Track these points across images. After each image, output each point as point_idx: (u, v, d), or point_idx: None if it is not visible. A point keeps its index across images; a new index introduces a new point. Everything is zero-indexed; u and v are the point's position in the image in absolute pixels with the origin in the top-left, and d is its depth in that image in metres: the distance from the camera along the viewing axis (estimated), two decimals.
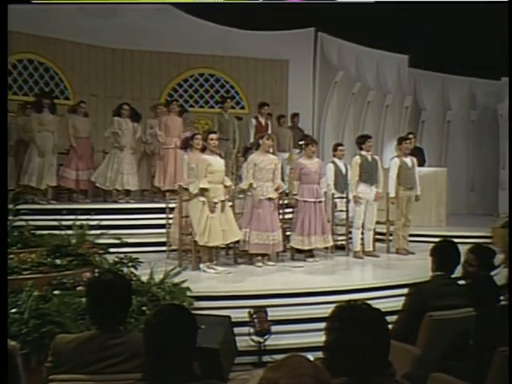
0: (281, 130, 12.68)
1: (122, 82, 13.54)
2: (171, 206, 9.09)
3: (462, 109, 16.01)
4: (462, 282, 4.68)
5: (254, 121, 12.08)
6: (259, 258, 8.57)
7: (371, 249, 9.62)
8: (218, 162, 8.21)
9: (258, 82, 14.47)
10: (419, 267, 7.61)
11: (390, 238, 9.93)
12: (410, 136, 11.66)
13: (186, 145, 9.08)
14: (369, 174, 9.48)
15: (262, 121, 12.10)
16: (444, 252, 4.50)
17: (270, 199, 8.53)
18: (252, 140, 11.14)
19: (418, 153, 12.04)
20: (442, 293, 4.32)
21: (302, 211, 8.91)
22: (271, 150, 8.91)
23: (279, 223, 8.83)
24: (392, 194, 9.69)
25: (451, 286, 4.45)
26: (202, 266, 8.11)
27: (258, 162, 8.52)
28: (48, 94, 11.39)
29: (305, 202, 8.89)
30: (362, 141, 9.65)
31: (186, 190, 8.52)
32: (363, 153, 9.54)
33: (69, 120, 11.08)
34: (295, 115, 13.24)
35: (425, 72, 15.78)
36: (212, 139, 8.23)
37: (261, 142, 8.68)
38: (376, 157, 9.83)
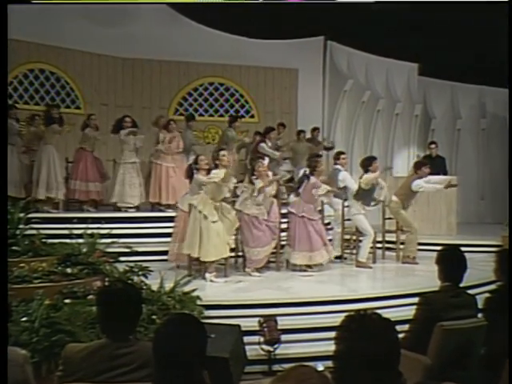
0: (298, 145, 12.66)
1: (132, 91, 13.61)
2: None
3: (471, 117, 15.97)
4: (470, 292, 4.69)
5: (265, 146, 11.95)
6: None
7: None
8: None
9: (267, 91, 14.49)
10: (429, 276, 7.59)
11: (401, 246, 9.93)
12: (432, 146, 11.59)
13: (191, 172, 8.87)
14: (371, 197, 9.47)
15: (271, 146, 12.05)
16: (450, 260, 4.47)
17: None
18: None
19: (440, 162, 11.99)
20: (452, 304, 4.30)
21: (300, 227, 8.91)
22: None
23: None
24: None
25: (460, 296, 4.42)
26: (207, 275, 8.11)
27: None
28: (56, 105, 11.40)
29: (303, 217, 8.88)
30: (368, 163, 9.54)
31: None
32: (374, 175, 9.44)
33: (89, 134, 11.09)
34: (315, 129, 13.23)
35: (434, 80, 15.76)
36: (224, 155, 8.33)
37: (256, 172, 8.65)
38: (383, 182, 9.76)
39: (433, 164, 10.18)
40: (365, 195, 9.39)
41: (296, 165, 12.42)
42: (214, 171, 8.23)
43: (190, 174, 8.76)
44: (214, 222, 8.06)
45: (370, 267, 9.35)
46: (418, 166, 9.95)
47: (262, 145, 11.92)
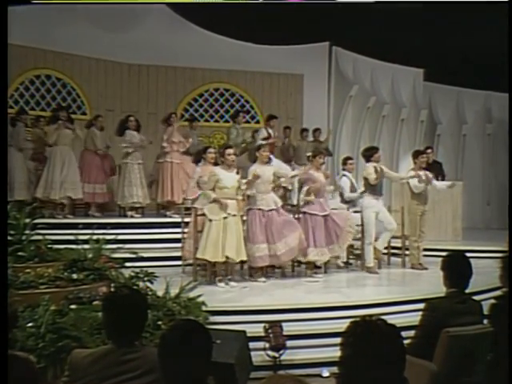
0: (302, 144, 12.68)
1: (138, 97, 13.66)
2: (186, 220, 9.14)
3: (477, 122, 15.97)
4: (476, 298, 4.67)
5: (264, 130, 12.04)
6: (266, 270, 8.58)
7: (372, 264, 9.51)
8: (230, 178, 8.16)
9: (272, 97, 14.52)
10: (435, 282, 7.57)
11: (406, 252, 9.91)
12: (429, 151, 11.60)
13: (199, 158, 9.12)
14: (376, 185, 9.43)
15: (271, 133, 12.08)
16: (455, 266, 4.45)
17: (273, 210, 8.50)
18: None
19: (436, 167, 11.99)
20: (458, 310, 4.28)
21: (308, 224, 8.78)
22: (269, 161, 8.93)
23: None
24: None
25: (466, 303, 4.41)
26: (216, 280, 8.12)
27: (260, 174, 8.38)
28: (64, 107, 11.48)
29: (311, 215, 8.80)
30: (369, 153, 9.58)
31: (193, 202, 8.62)
32: (373, 164, 9.46)
33: (88, 134, 11.17)
34: (316, 130, 13.25)
35: (440, 86, 15.75)
36: (229, 154, 8.22)
37: (258, 153, 8.66)
38: (382, 167, 9.72)
39: (430, 169, 10.18)
40: (370, 185, 9.37)
41: (299, 163, 12.40)
42: (216, 169, 8.26)
43: (197, 159, 9.04)
44: (211, 220, 8.01)
45: (377, 272, 9.34)
46: (415, 154, 9.93)
47: (262, 129, 12.02)
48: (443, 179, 12.19)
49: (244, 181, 8.27)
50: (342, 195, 9.85)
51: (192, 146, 11.61)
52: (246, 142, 12.14)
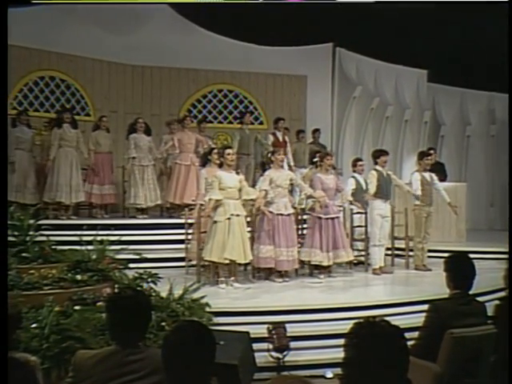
0: (300, 145, 12.68)
1: (142, 98, 13.66)
2: (190, 221, 9.15)
3: (481, 123, 15.94)
4: (480, 299, 4.66)
5: (271, 136, 12.09)
6: (277, 273, 8.57)
7: (383, 264, 9.51)
8: (231, 179, 8.21)
9: (276, 98, 14.51)
10: (438, 283, 7.56)
11: (410, 253, 9.90)
12: (431, 152, 11.63)
13: (205, 160, 9.18)
14: (383, 189, 9.44)
15: (280, 136, 12.11)
16: (458, 267, 4.44)
17: (287, 215, 8.51)
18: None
19: (439, 168, 11.99)
20: (462, 312, 4.27)
21: (315, 227, 8.84)
22: (284, 165, 8.93)
23: (297, 239, 8.81)
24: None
25: (470, 304, 4.40)
26: (219, 281, 8.12)
27: (275, 179, 8.52)
28: (68, 109, 11.48)
29: (320, 218, 8.83)
30: (377, 155, 9.66)
31: (202, 205, 8.63)
32: (378, 168, 9.51)
33: (92, 136, 11.18)
34: (316, 131, 13.24)
35: (444, 87, 15.74)
36: (229, 154, 8.29)
37: (273, 158, 8.70)
38: (390, 172, 9.78)
39: (432, 171, 10.19)
40: (376, 187, 9.39)
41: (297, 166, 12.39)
42: (218, 172, 8.31)
43: (203, 162, 9.22)
44: (216, 221, 8.04)
45: (379, 274, 9.32)
46: (420, 156, 9.98)
47: (269, 135, 12.08)
48: (444, 180, 12.21)
49: (258, 188, 8.40)
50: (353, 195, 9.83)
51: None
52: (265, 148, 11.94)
